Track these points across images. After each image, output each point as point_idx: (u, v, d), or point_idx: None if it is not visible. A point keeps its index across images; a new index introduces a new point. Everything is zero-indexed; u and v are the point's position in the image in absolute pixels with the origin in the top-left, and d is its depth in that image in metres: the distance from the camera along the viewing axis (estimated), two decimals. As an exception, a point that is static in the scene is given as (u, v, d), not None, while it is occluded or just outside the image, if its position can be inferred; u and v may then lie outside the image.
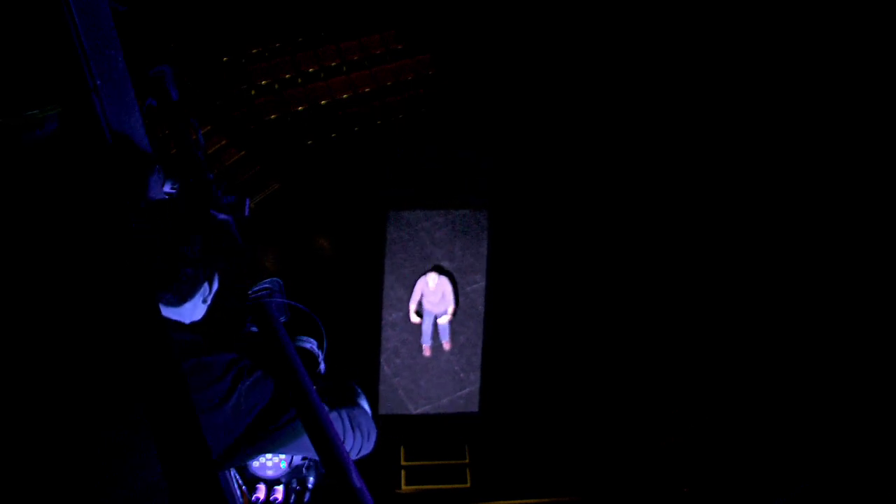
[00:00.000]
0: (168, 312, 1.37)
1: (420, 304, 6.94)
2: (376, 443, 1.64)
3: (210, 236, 1.38)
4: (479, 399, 7.10)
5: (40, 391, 1.14)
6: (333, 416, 1.49)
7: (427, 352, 7.23)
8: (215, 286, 1.48)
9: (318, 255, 8.35)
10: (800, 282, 7.52)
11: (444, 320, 6.97)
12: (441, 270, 7.00)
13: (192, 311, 1.43)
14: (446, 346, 7.27)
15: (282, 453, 1.54)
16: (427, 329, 7.05)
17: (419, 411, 7.00)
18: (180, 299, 1.37)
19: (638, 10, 9.49)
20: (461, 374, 7.27)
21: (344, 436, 1.50)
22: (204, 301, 1.45)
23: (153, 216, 1.34)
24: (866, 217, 7.82)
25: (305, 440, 1.27)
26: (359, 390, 1.78)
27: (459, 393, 7.16)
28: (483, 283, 7.90)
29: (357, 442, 1.55)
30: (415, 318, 6.97)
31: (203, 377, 1.28)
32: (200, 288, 1.40)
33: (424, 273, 6.84)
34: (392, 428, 6.81)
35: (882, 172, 7.90)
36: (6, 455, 1.10)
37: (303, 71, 9.38)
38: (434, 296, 6.78)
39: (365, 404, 1.72)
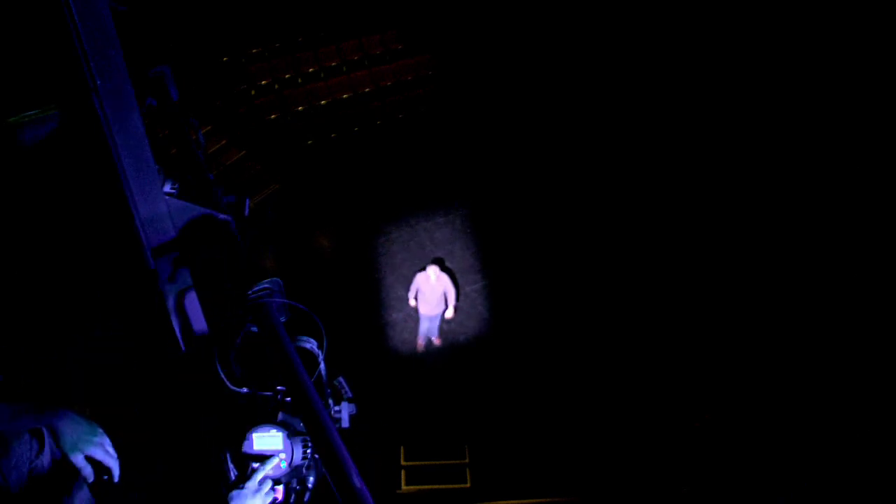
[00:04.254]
0: None
1: (416, 301, 6.87)
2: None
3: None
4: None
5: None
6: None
7: (420, 347, 7.33)
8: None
9: (318, 255, 8.35)
10: (798, 281, 7.53)
11: (449, 313, 6.88)
12: (442, 266, 6.80)
13: None
14: (437, 341, 7.32)
15: None
16: (423, 330, 7.09)
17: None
18: None
19: (630, 11, 9.51)
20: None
21: None
22: None
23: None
24: (867, 217, 7.82)
25: None
26: None
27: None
28: (484, 283, 7.91)
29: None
30: (413, 302, 6.92)
31: None
32: None
33: (423, 268, 6.66)
34: (392, 428, 6.81)
35: (882, 172, 7.90)
36: None
37: (303, 71, 9.39)
38: (433, 293, 6.65)
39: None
